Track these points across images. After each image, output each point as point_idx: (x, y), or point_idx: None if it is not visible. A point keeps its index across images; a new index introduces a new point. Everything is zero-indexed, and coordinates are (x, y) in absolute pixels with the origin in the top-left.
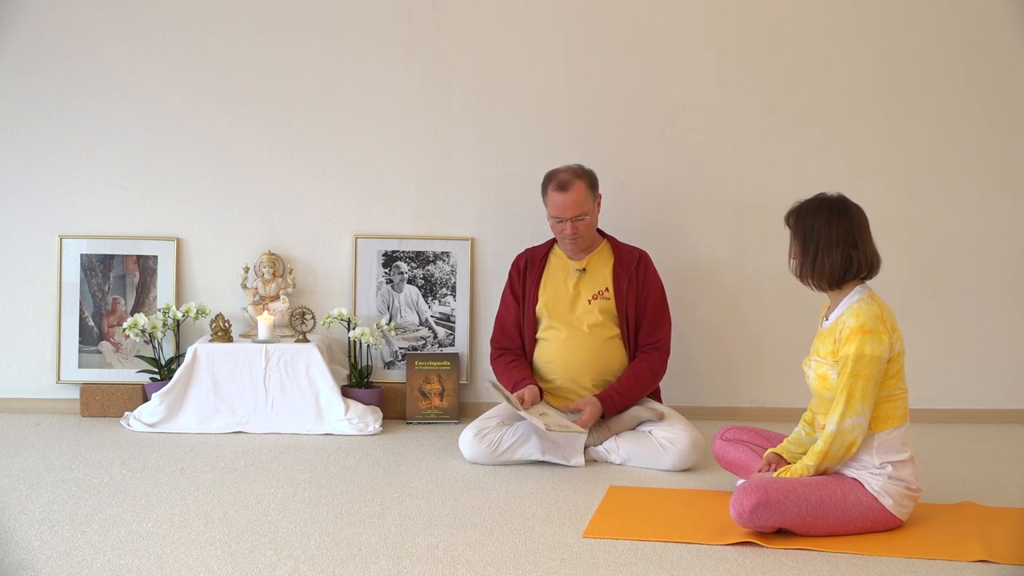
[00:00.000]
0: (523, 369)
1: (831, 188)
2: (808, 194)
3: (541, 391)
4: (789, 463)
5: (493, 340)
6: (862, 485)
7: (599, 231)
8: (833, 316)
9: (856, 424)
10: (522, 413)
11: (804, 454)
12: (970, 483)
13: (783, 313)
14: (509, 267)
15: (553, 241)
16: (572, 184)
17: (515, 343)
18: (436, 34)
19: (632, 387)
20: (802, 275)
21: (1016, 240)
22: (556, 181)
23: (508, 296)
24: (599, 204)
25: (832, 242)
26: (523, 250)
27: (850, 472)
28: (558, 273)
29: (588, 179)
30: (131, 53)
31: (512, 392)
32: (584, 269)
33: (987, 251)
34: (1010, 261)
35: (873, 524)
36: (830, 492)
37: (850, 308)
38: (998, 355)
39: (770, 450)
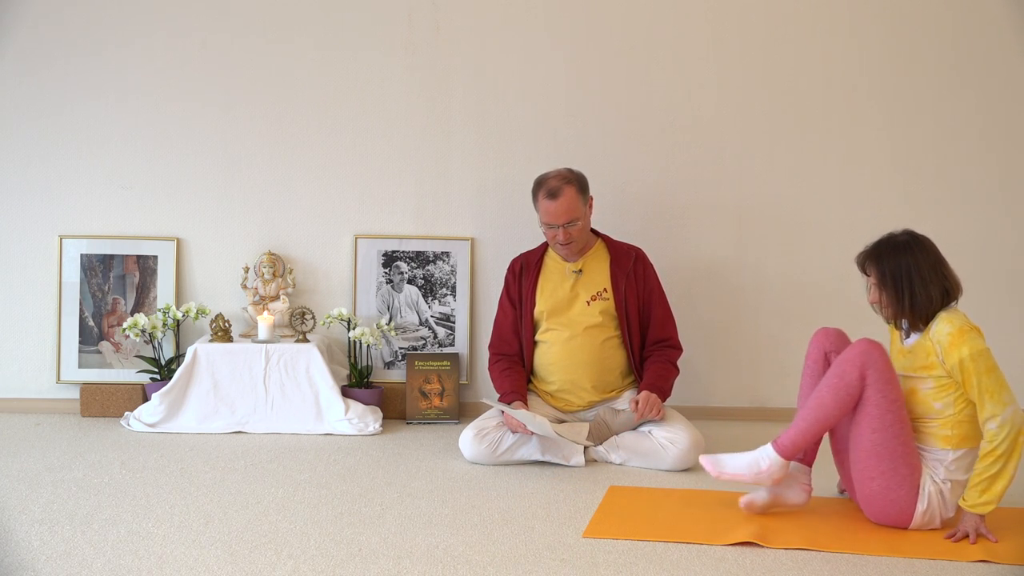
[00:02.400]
0: (515, 379)
1: (828, 187)
2: (806, 194)
3: (532, 400)
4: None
5: (491, 346)
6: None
7: (593, 231)
8: (916, 334)
9: (1016, 411)
10: (524, 420)
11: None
12: None
13: (783, 313)
14: (506, 270)
15: (548, 244)
16: (562, 191)
17: (513, 348)
18: (436, 34)
19: (666, 377)
20: (898, 317)
21: (1013, 241)
22: (546, 188)
23: (505, 301)
24: (591, 207)
25: (927, 278)
26: (518, 254)
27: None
28: (554, 275)
29: (578, 183)
30: (131, 53)
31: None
32: (580, 270)
33: (984, 252)
34: (1007, 262)
35: (888, 515)
36: (890, 455)
37: (939, 319)
38: (994, 354)
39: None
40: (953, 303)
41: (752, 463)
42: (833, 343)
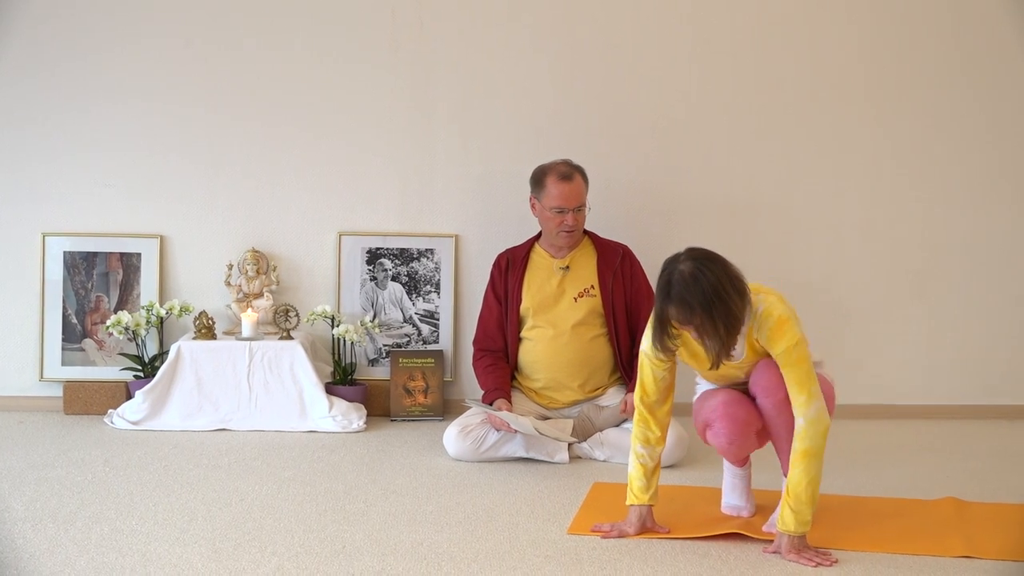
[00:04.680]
0: (499, 376)
1: (815, 185)
2: (793, 192)
3: (516, 397)
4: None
5: (476, 341)
6: None
7: None
8: (741, 340)
9: (821, 407)
10: (507, 419)
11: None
12: (953, 479)
13: None
14: (491, 267)
15: (534, 240)
16: (574, 175)
17: (498, 344)
18: (420, 32)
19: None
20: (727, 349)
21: (1000, 238)
22: (557, 172)
23: (490, 297)
24: None
25: (730, 293)
26: (504, 250)
27: None
28: (541, 272)
29: (583, 172)
30: (116, 53)
31: (483, 401)
32: (567, 267)
33: (972, 249)
34: (995, 259)
35: None
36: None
37: (761, 312)
38: (981, 352)
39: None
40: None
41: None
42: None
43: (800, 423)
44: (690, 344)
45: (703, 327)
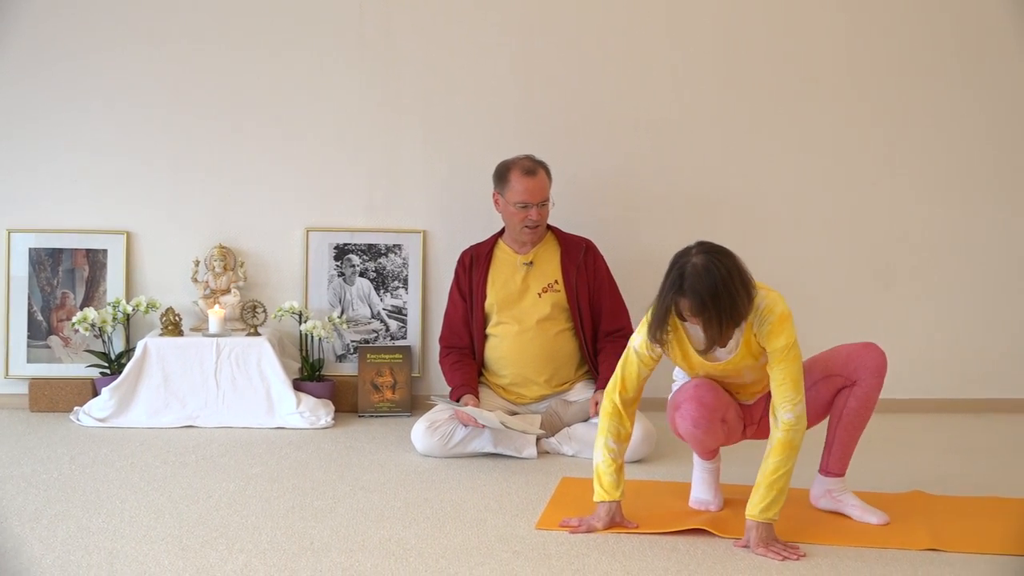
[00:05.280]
0: (466, 372)
1: (782, 180)
2: (760, 186)
3: (483, 393)
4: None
5: (442, 338)
6: None
7: None
8: (737, 334)
9: (805, 407)
10: (474, 414)
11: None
12: (919, 472)
13: None
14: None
15: (498, 236)
16: (538, 170)
17: (463, 341)
18: (387, 28)
19: None
20: (723, 341)
21: (967, 231)
22: (521, 167)
23: (455, 294)
24: None
25: (738, 291)
26: (468, 247)
27: None
28: (505, 268)
29: (546, 168)
30: (80, 49)
31: (449, 398)
32: (531, 263)
33: (938, 241)
34: (961, 252)
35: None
36: None
37: (763, 308)
38: (948, 345)
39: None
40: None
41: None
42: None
43: (789, 418)
44: (683, 345)
45: (711, 320)
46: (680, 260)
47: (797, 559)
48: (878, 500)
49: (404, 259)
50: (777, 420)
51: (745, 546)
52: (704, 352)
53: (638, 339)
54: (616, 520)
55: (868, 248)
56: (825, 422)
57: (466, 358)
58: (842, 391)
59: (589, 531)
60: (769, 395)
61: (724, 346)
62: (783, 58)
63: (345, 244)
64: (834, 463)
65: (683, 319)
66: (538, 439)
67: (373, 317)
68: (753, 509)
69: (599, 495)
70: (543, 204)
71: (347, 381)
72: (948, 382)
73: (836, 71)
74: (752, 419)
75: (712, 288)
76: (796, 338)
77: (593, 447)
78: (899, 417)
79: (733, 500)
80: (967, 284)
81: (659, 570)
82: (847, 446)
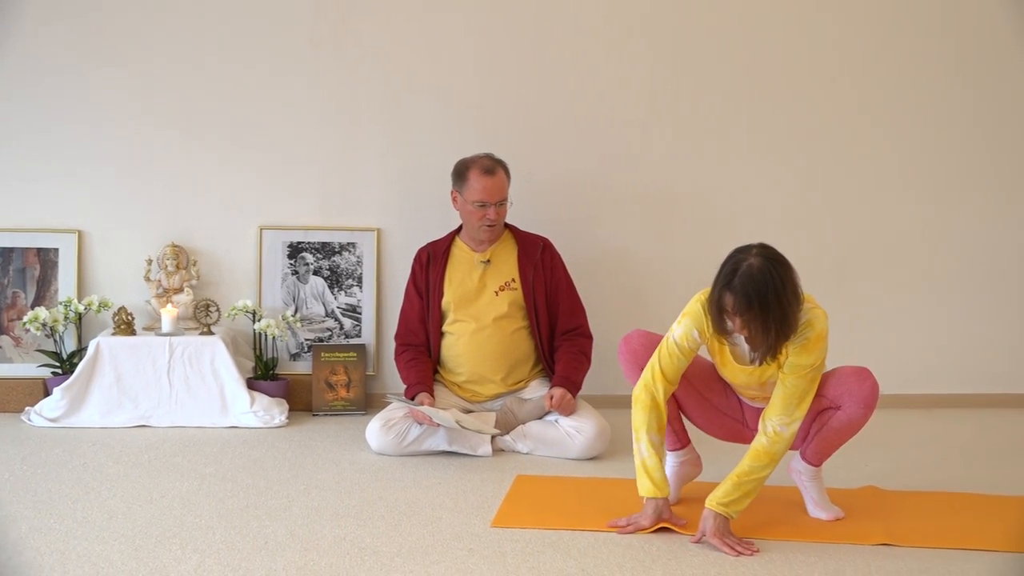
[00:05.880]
0: (421, 370)
1: (737, 178)
2: (716, 184)
3: (439, 391)
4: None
5: (397, 336)
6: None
7: None
8: None
9: (797, 429)
10: (429, 413)
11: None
12: (872, 468)
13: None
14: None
15: (455, 234)
16: (496, 169)
17: (419, 339)
18: (341, 25)
19: (578, 369)
20: (773, 353)
21: (919, 225)
22: (480, 166)
23: (411, 291)
24: None
25: (791, 301)
26: (424, 244)
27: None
28: (462, 266)
29: (505, 167)
30: (29, 45)
31: (404, 396)
32: (488, 261)
33: (891, 236)
34: (915, 247)
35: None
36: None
37: (805, 321)
38: (902, 341)
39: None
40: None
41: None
42: (643, 356)
43: (782, 430)
44: (722, 342)
45: (753, 324)
46: (737, 256)
47: (751, 554)
48: (831, 495)
49: (358, 257)
50: (766, 427)
51: (700, 540)
52: (753, 363)
53: (679, 331)
54: (664, 517)
55: (823, 241)
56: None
57: (422, 356)
58: (827, 410)
59: (637, 530)
60: None
61: (775, 359)
62: (742, 56)
63: (299, 242)
64: (811, 453)
65: (724, 314)
66: (493, 437)
67: (327, 315)
68: (714, 499)
69: (648, 491)
70: (501, 203)
71: (301, 380)
72: (902, 376)
73: (797, 68)
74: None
75: (762, 293)
76: (824, 361)
77: (550, 444)
78: None
79: (687, 501)
80: (922, 277)
81: (614, 567)
82: (826, 445)
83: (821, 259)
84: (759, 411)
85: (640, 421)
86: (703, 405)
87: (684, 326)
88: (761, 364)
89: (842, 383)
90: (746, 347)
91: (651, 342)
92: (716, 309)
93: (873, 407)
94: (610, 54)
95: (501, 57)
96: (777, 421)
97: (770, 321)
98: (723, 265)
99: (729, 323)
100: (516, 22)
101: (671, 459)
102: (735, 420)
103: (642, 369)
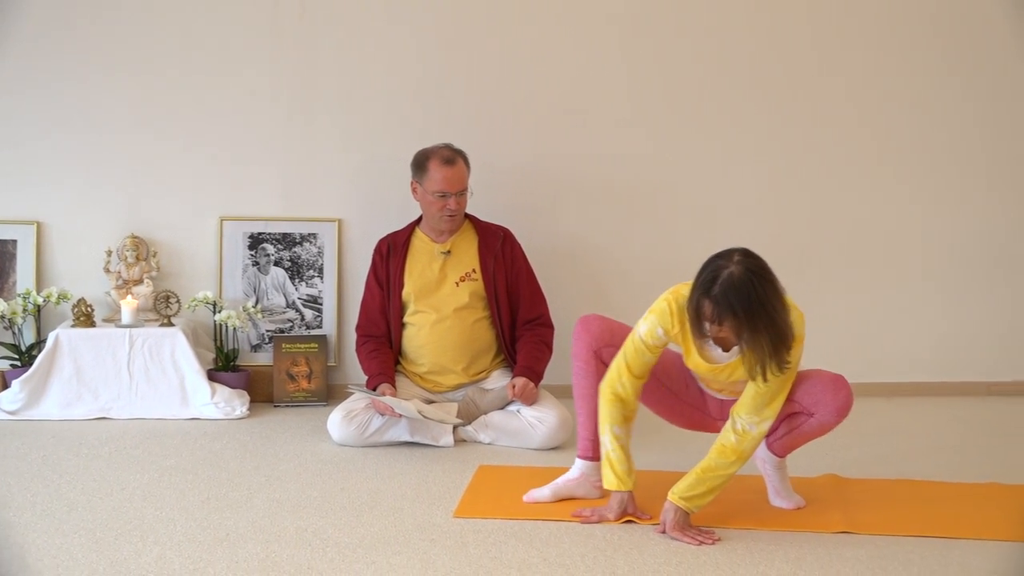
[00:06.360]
0: (383, 361)
1: (698, 169)
2: (676, 175)
3: (400, 382)
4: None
5: (359, 327)
6: None
7: None
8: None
9: (768, 428)
10: (391, 403)
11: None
12: (831, 456)
13: (648, 294)
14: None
15: (415, 224)
16: (456, 159)
17: (380, 330)
18: (301, 16)
19: (539, 359)
20: (759, 366)
21: (883, 215)
22: (440, 156)
23: (372, 282)
24: None
25: (778, 310)
26: (385, 235)
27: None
28: (422, 256)
29: (465, 157)
30: None
31: (366, 387)
32: (449, 251)
33: (849, 226)
34: (870, 235)
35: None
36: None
37: None
38: (857, 330)
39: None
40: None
41: (557, 483)
42: (599, 339)
43: (752, 429)
44: (688, 341)
45: (742, 336)
46: (717, 262)
47: (712, 543)
48: (792, 484)
49: (319, 248)
50: (736, 423)
51: (663, 531)
52: (754, 379)
53: (644, 328)
54: (629, 510)
55: (784, 232)
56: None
57: (383, 347)
58: (799, 415)
59: (601, 521)
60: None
61: (779, 368)
62: (703, 44)
63: (260, 233)
64: (779, 447)
65: (702, 318)
66: (455, 427)
67: (288, 306)
68: (676, 492)
69: (612, 484)
70: (461, 193)
71: (262, 371)
72: (864, 365)
73: (763, 60)
74: (721, 414)
75: (747, 306)
76: (799, 362)
77: (511, 434)
78: None
79: (648, 488)
80: (882, 267)
81: (576, 557)
82: (794, 443)
83: (783, 250)
84: (722, 401)
85: (605, 414)
86: (664, 394)
87: (649, 323)
88: (765, 377)
89: (816, 392)
90: (718, 351)
91: (608, 327)
92: (695, 314)
93: (846, 415)
94: (570, 44)
95: (462, 47)
96: (747, 419)
97: (762, 337)
98: (703, 270)
99: (707, 327)
100: (477, 12)
101: (576, 468)
102: (697, 409)
103: (593, 351)
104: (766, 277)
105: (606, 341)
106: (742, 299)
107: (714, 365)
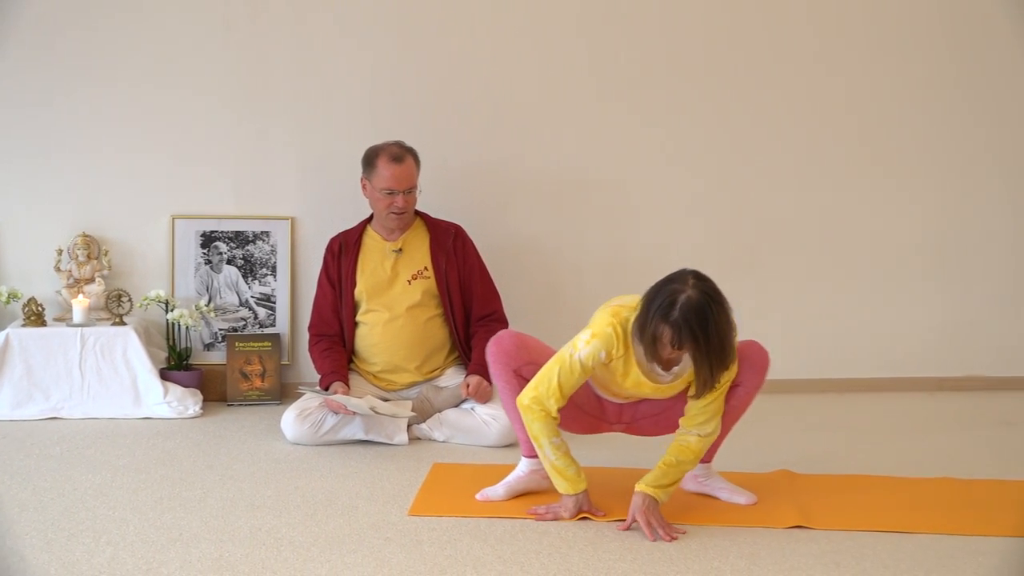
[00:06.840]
0: (335, 359)
1: (648, 164)
2: (628, 171)
3: (354, 380)
4: None
5: (311, 326)
6: None
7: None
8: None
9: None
10: (343, 401)
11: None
12: (784, 452)
13: (603, 291)
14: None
15: (366, 223)
16: (405, 157)
17: (333, 329)
18: (254, 11)
19: None
20: (712, 384)
21: (831, 211)
22: (388, 154)
23: (324, 281)
24: None
25: (728, 331)
26: (336, 233)
27: None
28: (374, 255)
29: (415, 154)
30: None
31: (319, 386)
32: (400, 249)
33: (799, 223)
34: (818, 233)
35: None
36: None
37: None
38: (811, 326)
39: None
40: None
41: (509, 480)
42: (516, 358)
43: (710, 431)
44: (629, 364)
45: (694, 357)
46: (672, 287)
47: (669, 541)
48: (746, 480)
49: (272, 246)
50: (692, 431)
51: (629, 526)
52: (696, 396)
53: (585, 351)
54: (584, 508)
55: (733, 228)
56: None
57: (336, 346)
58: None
59: (555, 519)
60: (645, 403)
61: (712, 388)
62: (651, 40)
63: (212, 231)
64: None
65: (658, 343)
66: (409, 425)
67: (241, 305)
68: (645, 482)
69: (565, 489)
70: (410, 191)
71: (215, 370)
72: (811, 361)
73: (712, 55)
74: (620, 418)
75: (704, 333)
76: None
77: (466, 432)
78: (764, 398)
79: (602, 485)
80: (831, 264)
81: (530, 553)
82: (728, 420)
83: (732, 248)
84: (620, 405)
85: (538, 430)
86: (568, 407)
87: (592, 347)
88: (700, 397)
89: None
90: (658, 370)
91: (522, 343)
92: (650, 339)
93: (766, 372)
94: (522, 41)
95: (413, 43)
96: (708, 426)
97: (712, 356)
98: (656, 294)
99: (662, 351)
100: (429, 9)
101: (524, 465)
102: (595, 417)
103: (512, 371)
104: (720, 300)
105: (524, 359)
106: (702, 324)
107: (659, 384)
